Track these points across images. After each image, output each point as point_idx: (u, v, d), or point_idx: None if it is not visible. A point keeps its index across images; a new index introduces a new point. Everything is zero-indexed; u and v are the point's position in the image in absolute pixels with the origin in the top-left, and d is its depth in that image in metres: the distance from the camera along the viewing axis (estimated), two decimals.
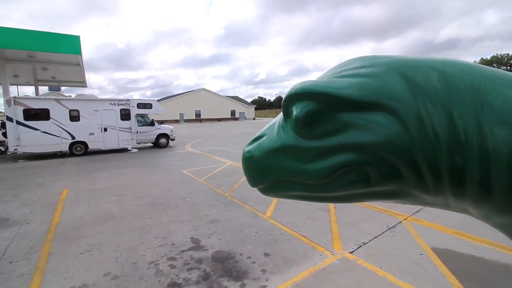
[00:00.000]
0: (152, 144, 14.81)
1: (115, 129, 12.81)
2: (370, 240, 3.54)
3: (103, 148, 12.61)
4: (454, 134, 0.43)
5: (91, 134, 12.24)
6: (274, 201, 5.15)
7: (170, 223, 4.30)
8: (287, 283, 2.70)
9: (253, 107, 71.09)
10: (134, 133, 13.27)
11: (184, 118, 54.05)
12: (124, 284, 2.77)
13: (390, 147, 0.45)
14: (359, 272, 2.85)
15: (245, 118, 64.68)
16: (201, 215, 4.59)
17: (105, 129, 12.55)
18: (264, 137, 0.60)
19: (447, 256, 3.10)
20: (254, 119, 66.42)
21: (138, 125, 13.61)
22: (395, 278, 2.73)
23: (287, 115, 0.56)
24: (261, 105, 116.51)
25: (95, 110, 12.30)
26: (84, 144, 12.16)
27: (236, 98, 70.83)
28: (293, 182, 0.56)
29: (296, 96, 0.53)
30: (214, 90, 64.42)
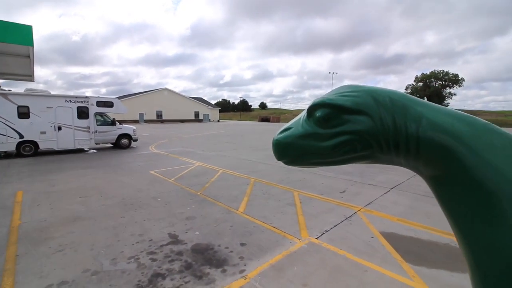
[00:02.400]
0: (112, 145, 14.06)
1: (71, 128, 11.94)
2: (331, 228, 4.07)
3: (56, 148, 11.65)
4: (395, 127, 0.89)
5: (43, 133, 11.23)
6: (245, 198, 5.48)
7: (144, 221, 4.35)
8: (264, 265, 3.04)
9: (217, 109, 70.53)
10: (92, 132, 12.50)
11: (144, 119, 51.52)
12: (106, 278, 2.84)
13: (368, 132, 0.90)
14: (324, 253, 3.32)
15: (209, 120, 63.96)
16: (176, 212, 4.71)
17: (59, 128, 11.62)
18: (293, 128, 0.99)
19: (392, 238, 3.75)
20: (218, 121, 66.02)
21: (98, 124, 12.84)
22: (353, 256, 3.26)
23: (310, 115, 0.93)
24: (225, 107, 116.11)
25: (48, 107, 11.32)
26: (34, 143, 11.11)
27: (200, 99, 69.66)
28: (312, 154, 0.94)
29: (319, 105, 0.93)
30: (177, 90, 62.32)
